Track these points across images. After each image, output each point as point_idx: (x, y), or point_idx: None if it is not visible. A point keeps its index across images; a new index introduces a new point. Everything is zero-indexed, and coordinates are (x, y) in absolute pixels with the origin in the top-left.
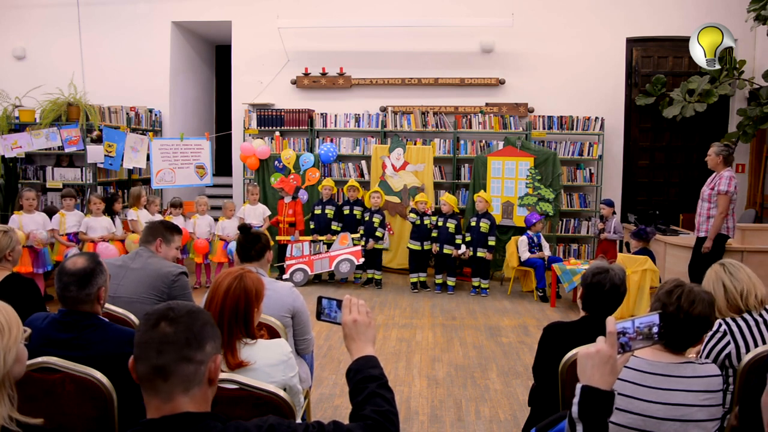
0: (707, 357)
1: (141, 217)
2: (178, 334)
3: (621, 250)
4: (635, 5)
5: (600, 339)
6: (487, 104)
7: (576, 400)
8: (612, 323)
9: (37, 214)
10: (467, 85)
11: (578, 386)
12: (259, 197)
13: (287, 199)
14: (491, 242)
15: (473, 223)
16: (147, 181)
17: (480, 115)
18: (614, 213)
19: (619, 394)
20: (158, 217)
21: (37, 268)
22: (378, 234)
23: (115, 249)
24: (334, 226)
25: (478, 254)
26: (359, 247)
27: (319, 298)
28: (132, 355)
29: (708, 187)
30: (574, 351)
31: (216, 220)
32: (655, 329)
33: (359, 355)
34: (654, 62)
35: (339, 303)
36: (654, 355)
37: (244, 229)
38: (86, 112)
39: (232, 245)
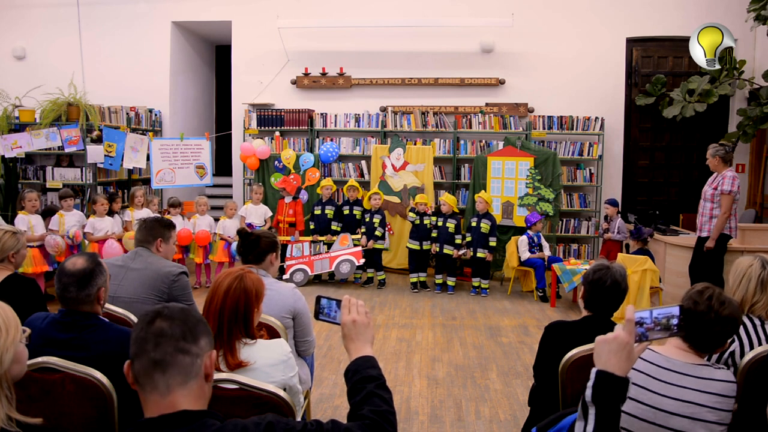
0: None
1: (141, 216)
2: (174, 328)
3: (621, 250)
4: (635, 5)
5: (618, 326)
6: (487, 104)
7: (590, 383)
8: (631, 311)
9: (36, 216)
10: (467, 85)
11: (593, 370)
12: (262, 197)
13: (287, 199)
14: (492, 243)
15: (474, 224)
16: (147, 181)
17: (480, 115)
18: (618, 213)
19: (633, 384)
20: (146, 213)
21: (51, 265)
22: (377, 233)
23: (119, 247)
24: (334, 226)
25: (478, 254)
26: (359, 248)
27: (318, 298)
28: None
29: (710, 187)
30: (574, 351)
31: (216, 220)
32: (674, 321)
33: (358, 355)
34: (654, 62)
35: (338, 303)
36: (673, 353)
37: (242, 234)
38: (86, 112)
39: (234, 245)
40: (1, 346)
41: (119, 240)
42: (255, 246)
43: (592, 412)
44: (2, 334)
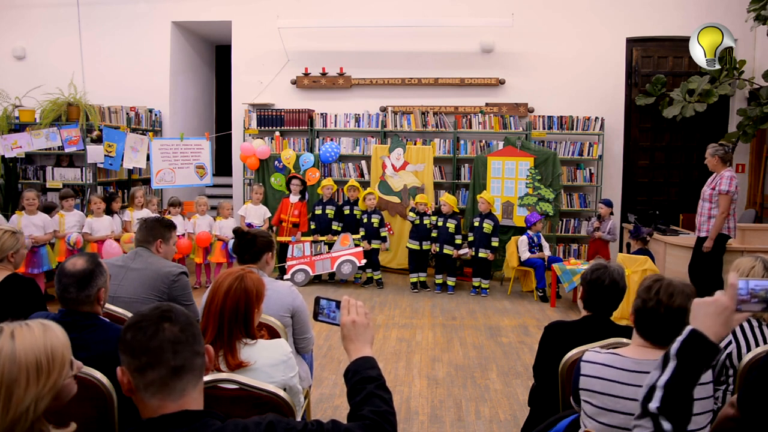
0: None
1: (141, 216)
2: (186, 332)
3: (621, 250)
4: (635, 5)
5: (719, 292)
6: (487, 104)
7: (680, 338)
8: (734, 276)
9: (38, 215)
10: (467, 85)
11: (688, 327)
12: (262, 198)
13: (293, 199)
14: (494, 243)
15: (476, 224)
16: (147, 181)
17: (480, 115)
18: (612, 214)
19: (606, 394)
20: (146, 213)
21: (31, 269)
22: (383, 234)
23: (119, 247)
24: (335, 226)
25: (480, 254)
26: (361, 248)
27: (317, 299)
28: (126, 364)
29: (709, 187)
30: (574, 351)
31: (214, 220)
32: None
33: (357, 355)
34: (654, 62)
35: (338, 304)
36: (640, 353)
37: (238, 233)
38: (86, 112)
39: (231, 244)
40: (38, 391)
41: (117, 240)
42: (251, 245)
43: (671, 365)
44: (42, 377)
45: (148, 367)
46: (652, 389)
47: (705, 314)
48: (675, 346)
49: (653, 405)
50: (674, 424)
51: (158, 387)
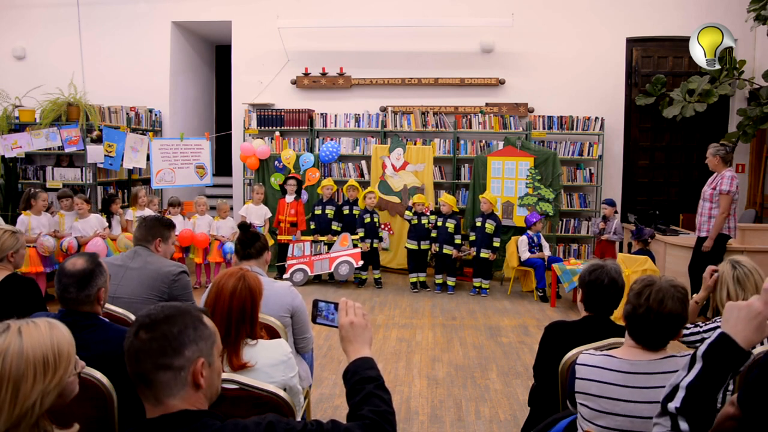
0: None
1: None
2: (153, 343)
3: (622, 250)
4: (635, 5)
5: (754, 296)
6: (487, 104)
7: (709, 341)
8: None
9: (44, 215)
10: (467, 85)
11: (719, 330)
12: (263, 198)
13: (289, 199)
14: (496, 243)
15: (478, 224)
16: (147, 181)
17: (480, 115)
18: (616, 212)
19: (603, 397)
20: (148, 213)
21: (47, 267)
22: (381, 234)
23: (103, 245)
24: (335, 226)
25: (482, 254)
26: (359, 249)
27: (315, 302)
28: None
29: (709, 187)
30: (574, 351)
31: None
32: None
33: (356, 356)
34: (654, 62)
35: (336, 306)
36: (634, 354)
37: (244, 227)
38: (86, 112)
39: (228, 245)
40: (44, 387)
41: (114, 240)
42: (256, 239)
43: (697, 367)
44: (48, 373)
45: (127, 366)
46: (675, 389)
47: (737, 318)
48: (703, 347)
49: (673, 405)
50: (692, 425)
51: (136, 388)
